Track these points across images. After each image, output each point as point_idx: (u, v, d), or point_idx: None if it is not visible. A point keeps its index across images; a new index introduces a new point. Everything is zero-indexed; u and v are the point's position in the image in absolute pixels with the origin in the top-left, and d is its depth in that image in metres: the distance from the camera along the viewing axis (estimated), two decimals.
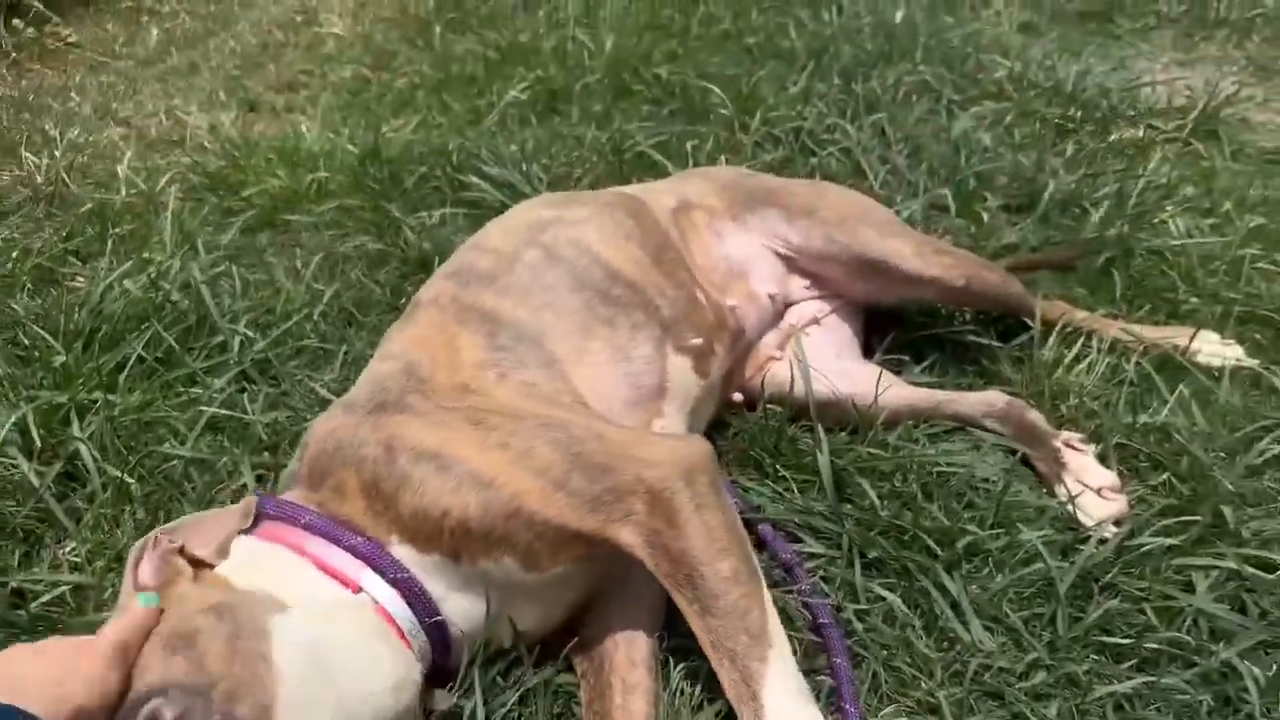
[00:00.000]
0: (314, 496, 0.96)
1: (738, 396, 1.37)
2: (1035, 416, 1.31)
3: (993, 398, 1.34)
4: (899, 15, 2.60)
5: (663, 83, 2.22)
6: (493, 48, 2.41)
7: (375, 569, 0.91)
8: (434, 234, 1.68)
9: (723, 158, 1.92)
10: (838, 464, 1.24)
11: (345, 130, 1.98)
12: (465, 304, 1.11)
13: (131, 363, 1.37)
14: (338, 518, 0.93)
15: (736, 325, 1.33)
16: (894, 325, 1.50)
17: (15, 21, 2.49)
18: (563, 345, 1.11)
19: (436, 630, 0.93)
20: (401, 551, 0.93)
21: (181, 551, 0.89)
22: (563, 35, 2.42)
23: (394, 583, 0.91)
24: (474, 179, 1.81)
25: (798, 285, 1.44)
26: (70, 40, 2.50)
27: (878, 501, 1.20)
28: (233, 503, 1.02)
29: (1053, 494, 1.23)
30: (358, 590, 0.90)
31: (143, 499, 1.18)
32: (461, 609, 0.95)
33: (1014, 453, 1.29)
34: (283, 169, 1.86)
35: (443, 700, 0.97)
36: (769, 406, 1.36)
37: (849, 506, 1.22)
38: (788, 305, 1.44)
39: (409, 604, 0.91)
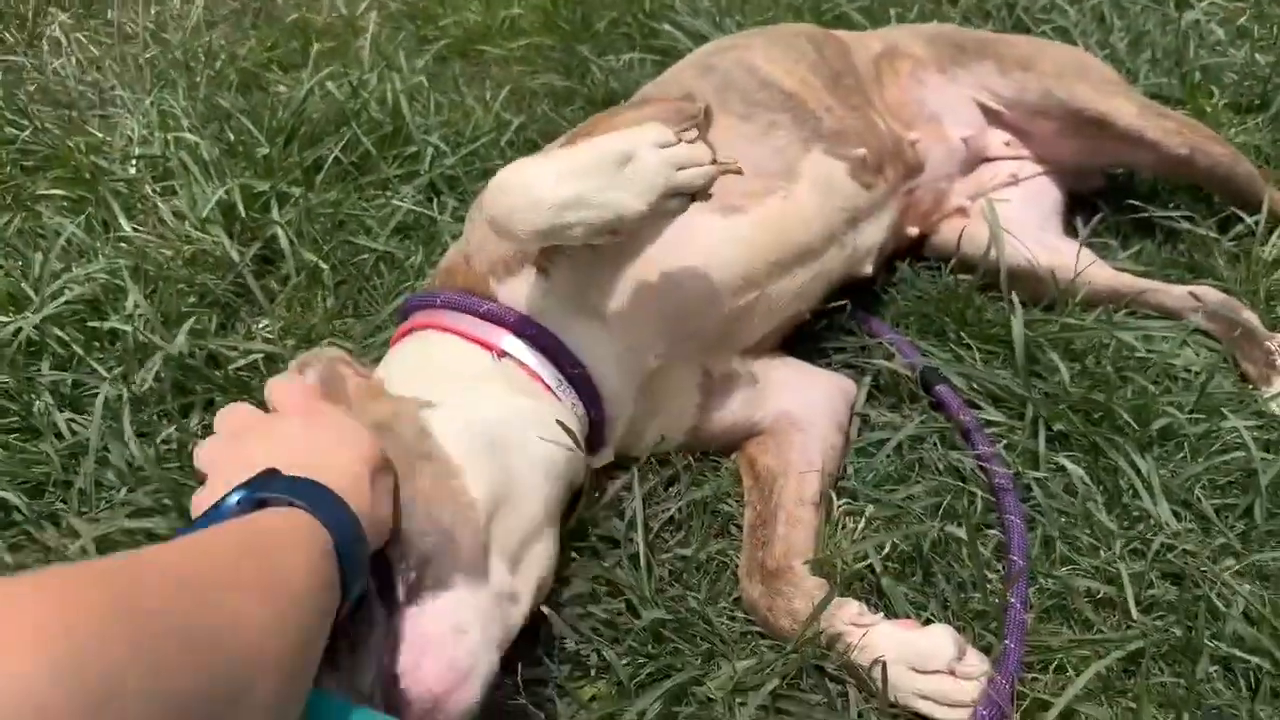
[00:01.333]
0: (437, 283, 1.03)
1: (914, 230, 1.33)
2: (1249, 315, 1.23)
3: (1204, 291, 1.26)
4: None
5: None
6: None
7: (509, 329, 0.96)
8: (621, 76, 1.66)
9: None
10: (1029, 335, 1.18)
11: None
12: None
13: (329, 163, 1.41)
14: (462, 289, 0.99)
15: (915, 159, 1.31)
16: (1099, 209, 1.42)
17: None
18: None
19: (582, 383, 0.98)
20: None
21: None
22: None
23: (529, 340, 0.96)
24: (665, 26, 1.77)
25: (997, 140, 1.40)
26: None
27: (1068, 378, 1.15)
28: None
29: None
30: (501, 354, 0.94)
31: (334, 287, 1.22)
32: (597, 354, 0.99)
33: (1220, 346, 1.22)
34: (478, 3, 1.86)
35: (603, 457, 1.03)
36: (961, 276, 1.31)
37: (1038, 381, 1.17)
38: (984, 160, 1.39)
39: (549, 359, 0.96)
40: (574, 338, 0.98)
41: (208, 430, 1.01)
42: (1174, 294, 1.27)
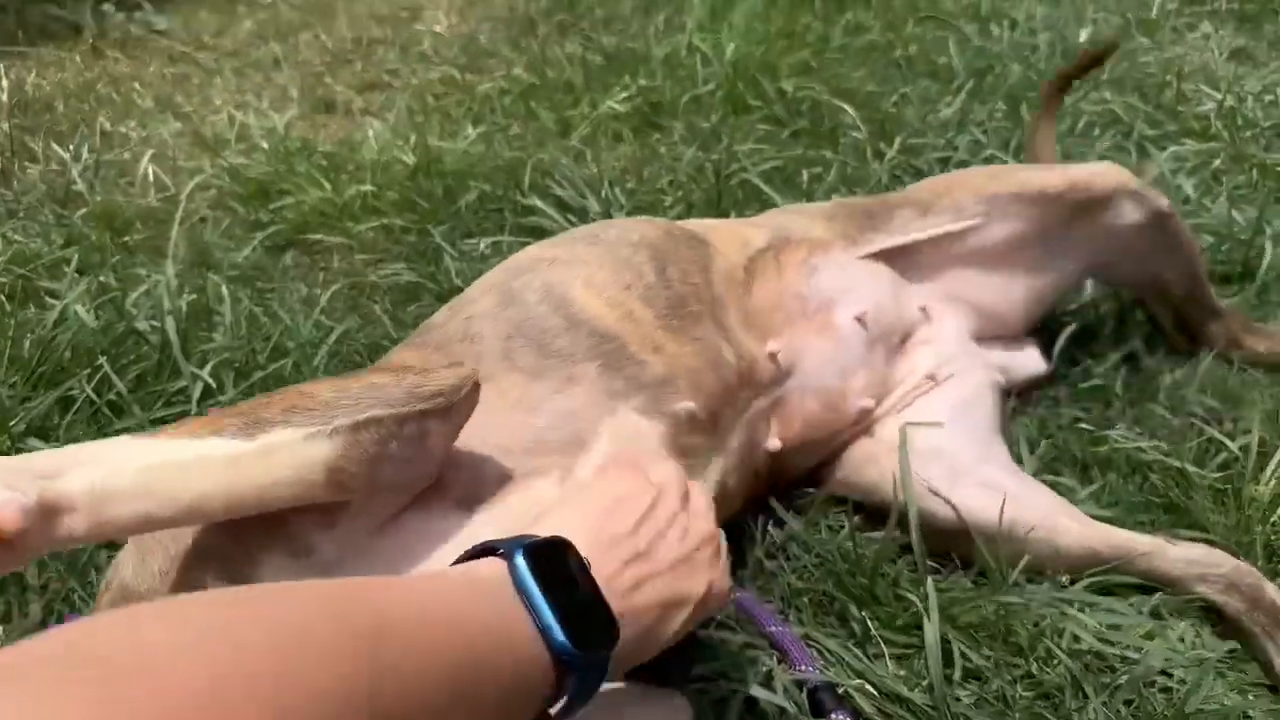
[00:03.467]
0: None
1: (774, 444, 1.04)
2: (1274, 592, 0.93)
3: (1211, 556, 0.96)
4: (1084, 34, 2.18)
5: (786, 98, 1.88)
6: (598, 52, 2.11)
7: None
8: (479, 266, 1.39)
9: (846, 191, 1.56)
10: (954, 622, 0.89)
11: (412, 137, 1.71)
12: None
13: (79, 405, 1.13)
14: None
15: (772, 374, 1.03)
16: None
17: (105, 6, 2.34)
18: None
19: None
20: None
21: None
22: (678, 41, 2.10)
23: None
24: (538, 203, 1.51)
25: (913, 307, 1.16)
26: (158, 29, 2.34)
27: (1009, 694, 0.85)
28: None
29: None
30: None
31: (40, 589, 0.93)
32: None
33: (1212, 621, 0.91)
34: (328, 179, 1.61)
35: None
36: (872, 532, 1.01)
37: (966, 688, 0.87)
38: (904, 339, 1.14)
39: None
40: None
41: None
42: (1172, 556, 0.96)
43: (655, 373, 0.93)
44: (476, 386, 0.77)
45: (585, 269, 0.99)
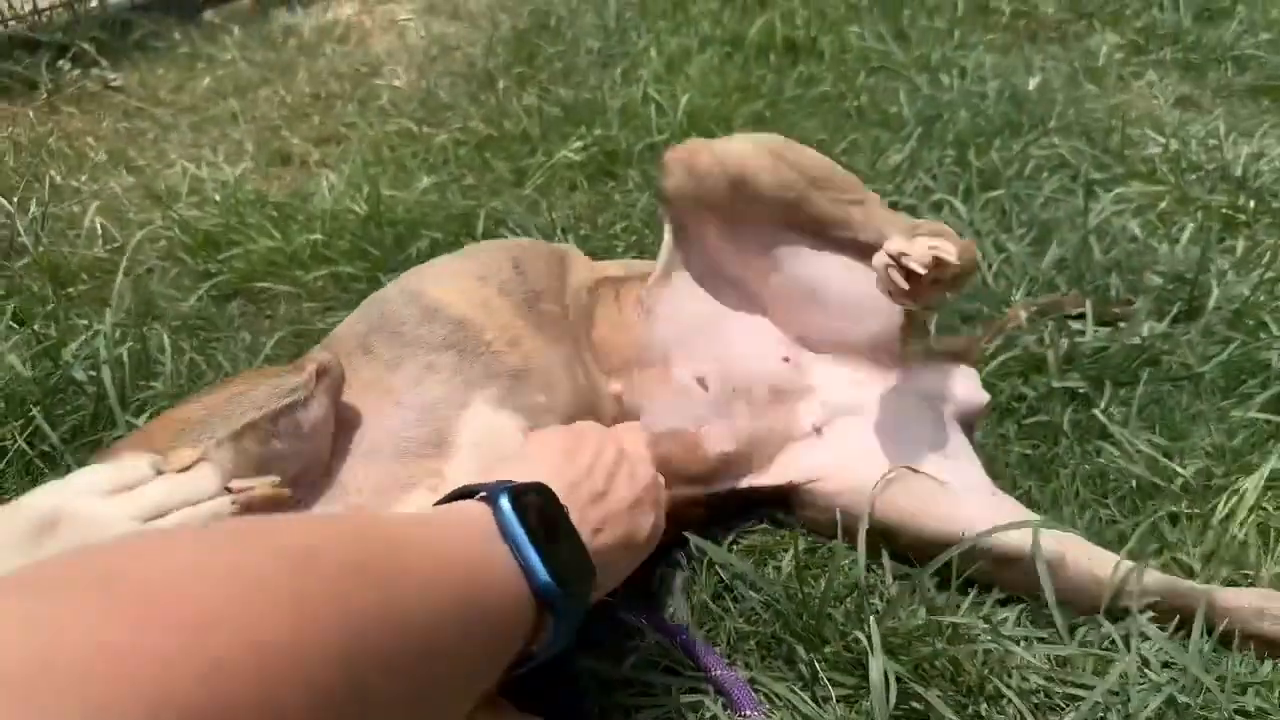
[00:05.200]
0: None
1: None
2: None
3: (1270, 600, 0.95)
4: (1033, 83, 2.22)
5: None
6: (554, 104, 2.12)
7: None
8: None
9: None
10: (896, 665, 0.87)
11: (365, 188, 1.71)
12: None
13: (10, 456, 1.10)
14: None
15: (615, 414, 1.03)
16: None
17: (61, 63, 2.34)
18: None
19: None
20: None
21: None
22: (634, 93, 2.12)
23: None
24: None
25: (775, 356, 1.17)
26: (114, 84, 2.33)
27: None
28: None
29: None
30: None
31: None
32: None
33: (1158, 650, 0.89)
34: (279, 229, 1.60)
35: None
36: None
37: None
38: (775, 394, 1.13)
39: None
40: None
41: None
42: (1232, 603, 0.97)
43: (511, 364, 0.94)
44: (326, 370, 0.82)
45: (443, 267, 1.05)
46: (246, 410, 0.75)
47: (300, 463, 0.79)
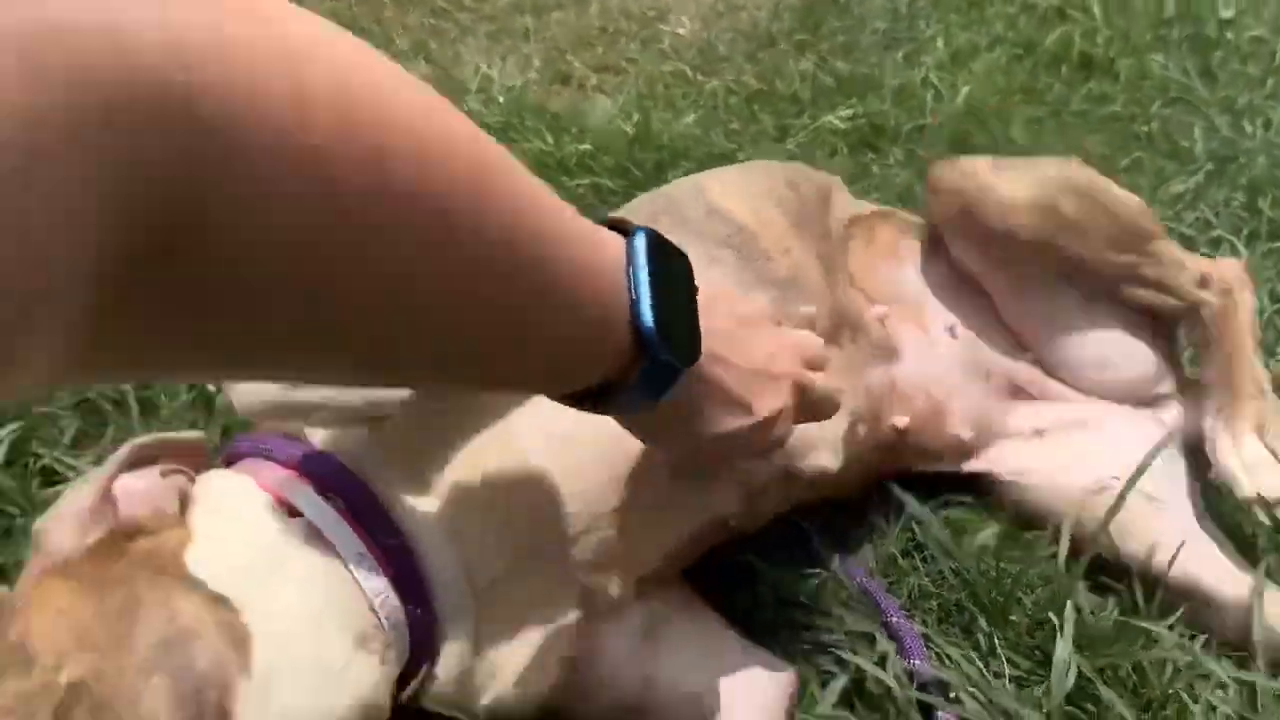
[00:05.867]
0: None
1: (900, 421, 1.02)
2: None
3: None
4: None
5: (1014, 146, 1.84)
6: (829, 74, 2.12)
7: (307, 480, 0.74)
8: None
9: None
10: (1079, 660, 0.84)
11: (635, 115, 1.77)
12: None
13: None
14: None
15: (885, 339, 1.03)
16: None
17: None
18: None
19: (402, 560, 0.75)
20: None
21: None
22: (913, 75, 2.09)
23: (333, 495, 0.74)
24: None
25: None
26: None
27: None
28: None
29: None
30: (293, 513, 0.73)
31: None
32: (425, 529, 0.76)
33: None
34: (552, 135, 1.68)
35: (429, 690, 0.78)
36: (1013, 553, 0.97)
37: None
38: (1009, 387, 1.11)
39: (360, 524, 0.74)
40: (398, 507, 0.75)
41: None
42: None
43: (784, 271, 0.96)
44: None
45: (725, 175, 1.09)
46: None
47: None
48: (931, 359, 1.06)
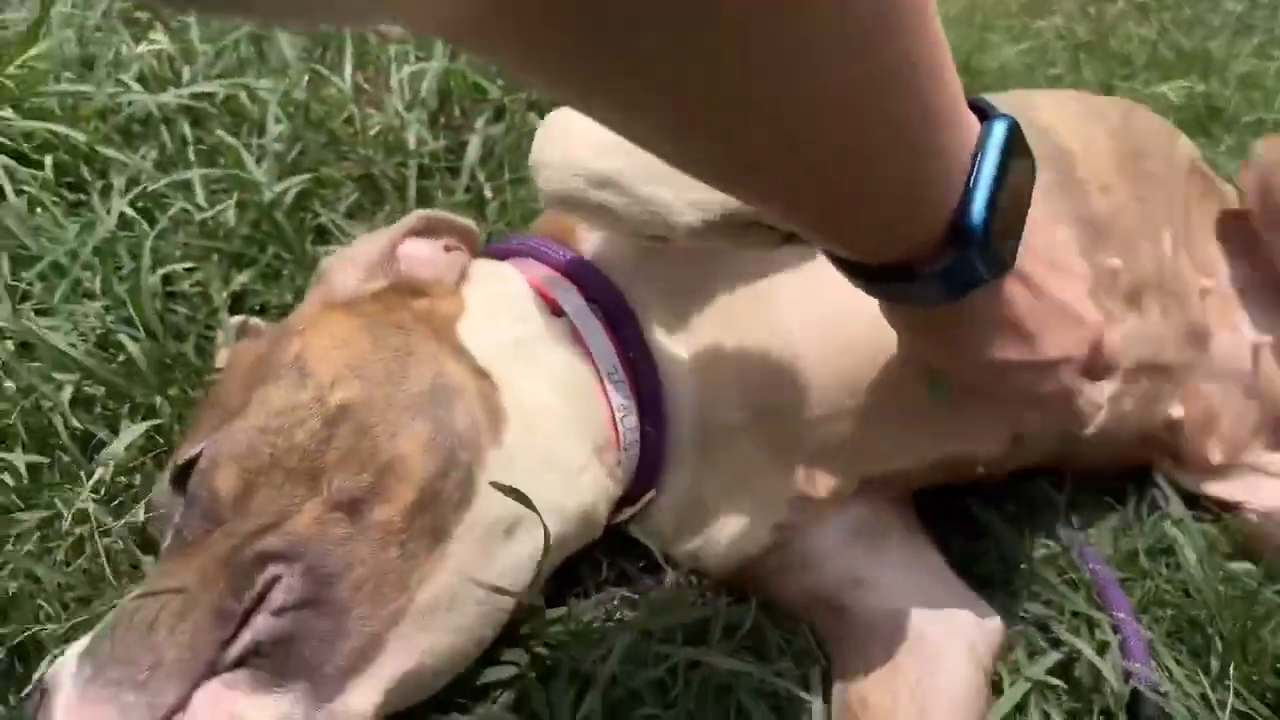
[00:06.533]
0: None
1: (1177, 411, 0.93)
2: None
3: None
4: None
5: None
6: (1171, 48, 1.94)
7: (575, 284, 0.77)
8: None
9: None
10: None
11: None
12: None
13: None
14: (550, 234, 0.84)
15: (1201, 322, 0.92)
16: None
17: None
18: None
19: (645, 375, 0.76)
20: None
21: None
22: (1264, 67, 1.88)
23: (598, 304, 0.77)
24: None
25: None
26: None
27: None
28: None
29: None
30: (558, 312, 0.76)
31: None
32: (671, 358, 0.77)
33: None
34: None
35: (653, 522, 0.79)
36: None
37: None
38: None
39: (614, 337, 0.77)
40: (651, 329, 0.77)
41: None
42: None
43: (1098, 210, 0.87)
44: None
45: (1055, 94, 1.03)
46: None
47: None
48: (1232, 361, 0.96)
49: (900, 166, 0.49)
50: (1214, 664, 0.83)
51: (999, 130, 0.53)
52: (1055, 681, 0.78)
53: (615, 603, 0.78)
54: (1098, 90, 1.74)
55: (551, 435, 0.70)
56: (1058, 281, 0.62)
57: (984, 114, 0.54)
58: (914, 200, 0.52)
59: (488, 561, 0.65)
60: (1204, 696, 0.81)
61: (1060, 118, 0.93)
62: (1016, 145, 0.54)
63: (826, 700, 0.76)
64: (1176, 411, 0.94)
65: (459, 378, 0.67)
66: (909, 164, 0.49)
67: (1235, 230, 1.00)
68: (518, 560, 0.67)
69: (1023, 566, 0.88)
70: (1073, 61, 1.79)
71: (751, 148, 0.44)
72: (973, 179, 0.52)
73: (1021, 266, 0.59)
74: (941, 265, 0.53)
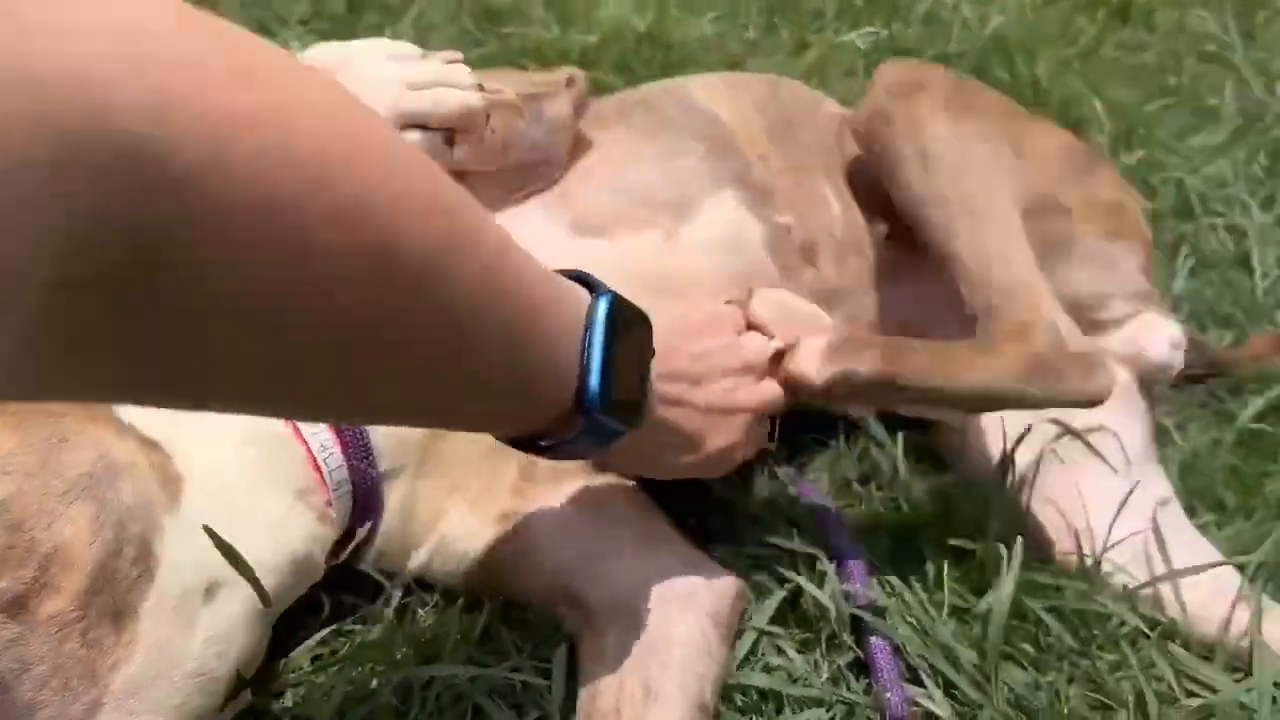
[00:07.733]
0: None
1: None
2: None
3: None
4: None
5: (1037, 86, 1.78)
6: None
7: None
8: None
9: None
10: (1022, 598, 0.83)
11: (650, 13, 1.71)
12: None
13: None
14: None
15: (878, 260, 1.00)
16: None
17: None
18: None
19: None
20: None
21: None
22: (944, 2, 2.02)
23: None
24: None
25: None
26: None
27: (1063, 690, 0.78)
28: None
29: None
30: None
31: None
32: None
33: None
34: (560, 24, 1.62)
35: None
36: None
37: (1016, 671, 0.81)
38: None
39: None
40: None
41: None
42: None
43: (758, 177, 0.93)
44: (574, 81, 0.88)
45: (708, 78, 1.08)
46: (505, 84, 0.81)
47: (539, 154, 0.84)
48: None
49: (511, 376, 0.54)
50: (930, 570, 0.89)
51: (601, 309, 0.58)
52: (776, 630, 0.82)
53: (341, 639, 0.77)
54: (794, 47, 1.82)
55: (239, 490, 0.68)
56: (704, 389, 0.70)
57: (589, 284, 0.60)
58: (531, 388, 0.56)
59: (189, 631, 0.63)
60: (921, 601, 0.86)
61: (713, 98, 0.99)
62: (621, 316, 0.59)
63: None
64: None
65: (125, 454, 0.64)
66: (509, 367, 0.53)
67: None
68: (228, 622, 0.65)
69: (750, 512, 0.92)
70: (767, 24, 1.87)
71: (351, 377, 0.46)
72: (584, 359, 0.56)
73: (666, 393, 0.66)
74: (577, 431, 0.58)
